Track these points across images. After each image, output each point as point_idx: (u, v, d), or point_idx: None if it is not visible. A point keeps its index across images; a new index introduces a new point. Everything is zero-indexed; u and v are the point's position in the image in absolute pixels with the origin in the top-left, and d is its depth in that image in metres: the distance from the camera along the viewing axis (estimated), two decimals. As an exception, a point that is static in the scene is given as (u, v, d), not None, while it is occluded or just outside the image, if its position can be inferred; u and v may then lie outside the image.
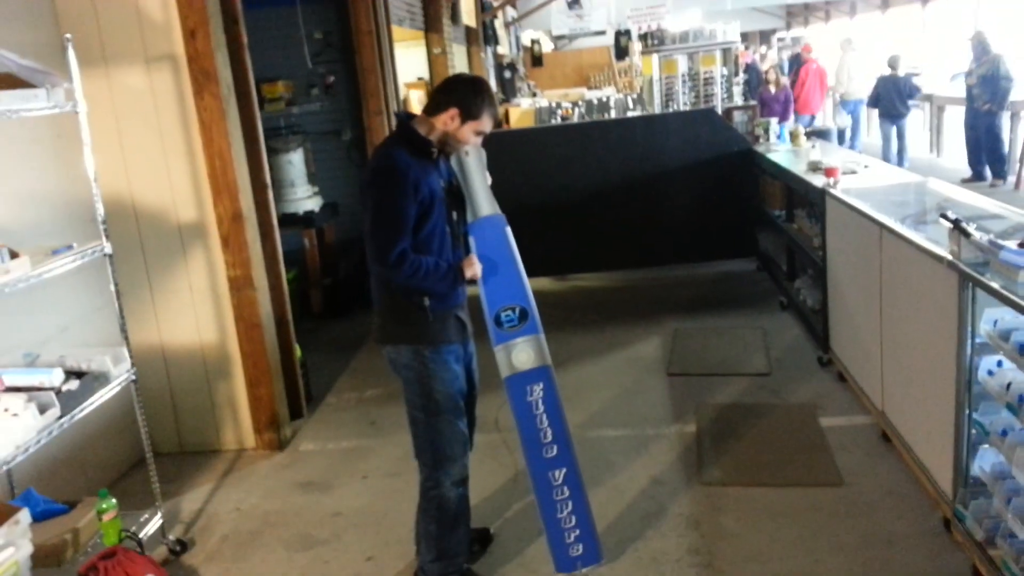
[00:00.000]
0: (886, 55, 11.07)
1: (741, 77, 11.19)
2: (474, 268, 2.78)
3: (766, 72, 10.74)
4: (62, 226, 3.63)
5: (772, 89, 10.22)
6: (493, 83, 11.97)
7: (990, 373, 2.69)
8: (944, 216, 2.84)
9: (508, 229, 2.88)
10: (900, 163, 10.27)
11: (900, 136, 10.77)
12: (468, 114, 2.72)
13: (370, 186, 2.67)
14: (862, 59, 12.09)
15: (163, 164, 3.92)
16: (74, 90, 3.10)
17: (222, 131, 3.84)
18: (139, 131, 3.91)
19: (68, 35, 3.16)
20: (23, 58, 2.99)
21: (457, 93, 2.76)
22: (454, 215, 2.85)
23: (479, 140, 2.80)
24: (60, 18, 3.80)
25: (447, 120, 2.72)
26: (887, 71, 10.71)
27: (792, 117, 10.21)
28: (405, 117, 2.82)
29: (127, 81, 3.86)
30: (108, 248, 3.20)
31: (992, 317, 2.66)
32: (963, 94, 9.93)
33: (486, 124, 2.76)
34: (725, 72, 10.71)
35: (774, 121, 6.82)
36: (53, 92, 3.02)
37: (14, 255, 2.81)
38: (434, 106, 2.77)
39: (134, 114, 3.89)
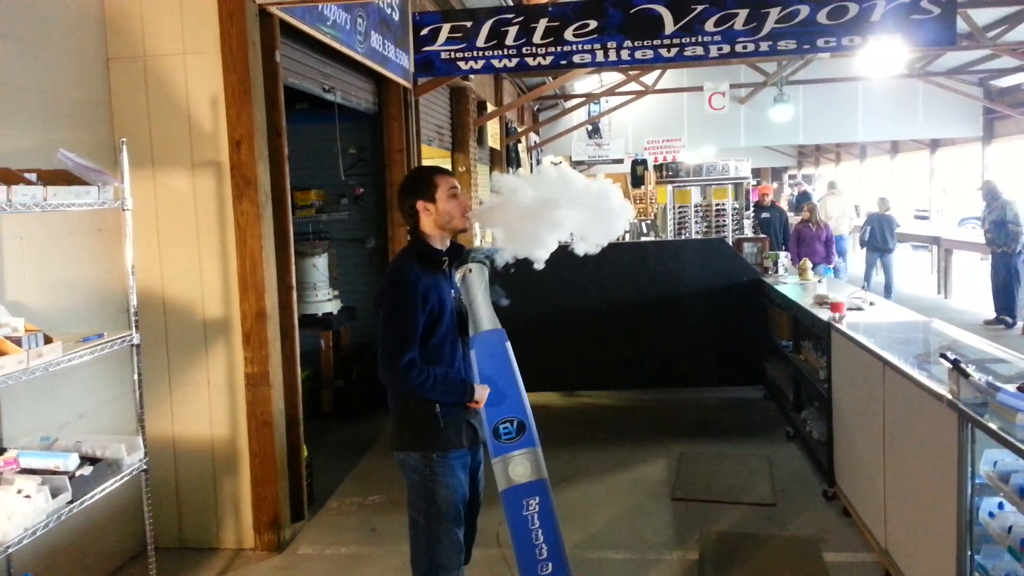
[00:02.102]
0: (892, 198, 11.60)
1: (751, 212, 11.46)
2: (484, 399, 2.88)
3: (804, 208, 10.11)
4: (93, 315, 3.78)
5: (812, 227, 9.66)
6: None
7: (991, 515, 2.71)
8: (943, 356, 2.94)
9: (508, 344, 2.99)
10: (888, 296, 10.46)
11: (887, 270, 11.26)
12: (427, 194, 2.86)
13: (383, 298, 2.82)
14: (843, 201, 12.93)
15: (196, 261, 4.11)
16: (123, 189, 3.32)
17: (256, 234, 4.05)
18: (177, 229, 4.12)
19: (124, 139, 3.42)
20: (79, 157, 3.22)
21: (408, 193, 2.92)
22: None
23: (459, 200, 2.88)
24: (116, 121, 4.07)
25: (425, 215, 2.88)
26: (875, 210, 11.49)
27: (835, 258, 9.94)
28: (417, 232, 2.97)
29: (171, 182, 4.10)
30: (137, 339, 3.33)
31: (992, 458, 2.71)
32: (969, 237, 10.18)
33: (447, 183, 2.89)
34: (736, 205, 11.08)
35: (783, 254, 7.01)
36: (104, 190, 3.23)
37: (48, 340, 2.94)
38: (410, 219, 2.92)
39: (174, 213, 4.11)
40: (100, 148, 3.89)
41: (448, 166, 9.38)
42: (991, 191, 9.88)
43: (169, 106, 4.05)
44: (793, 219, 11.76)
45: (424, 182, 2.90)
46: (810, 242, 9.50)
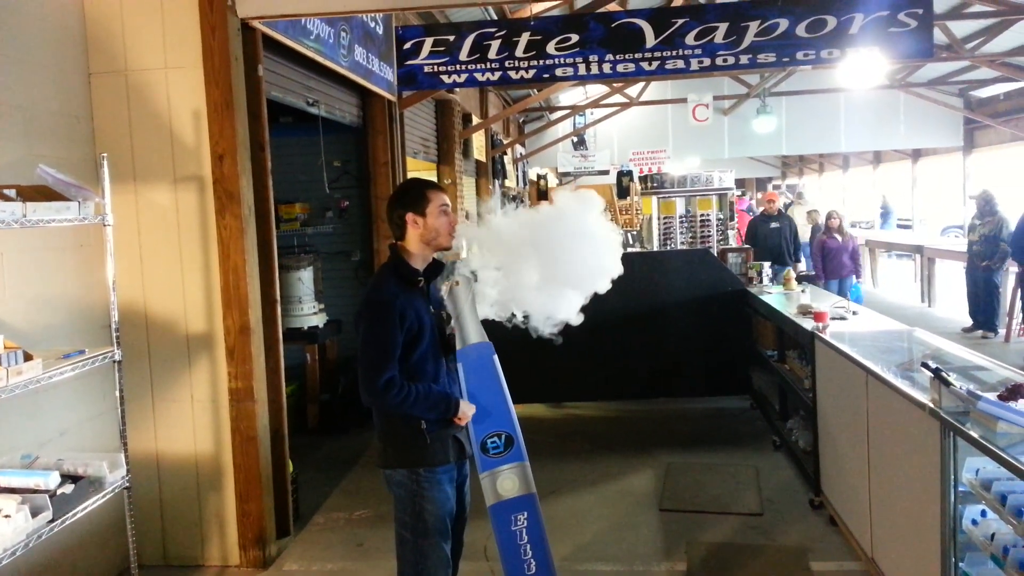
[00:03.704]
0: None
1: (733, 222, 11.53)
2: (468, 415, 2.87)
3: (828, 217, 9.50)
4: (75, 331, 3.74)
5: (839, 238, 9.05)
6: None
7: (974, 522, 2.72)
8: (925, 365, 2.96)
9: (495, 357, 2.98)
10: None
11: None
12: (418, 208, 2.85)
13: (361, 317, 2.81)
14: (807, 210, 13.57)
15: (179, 276, 4.08)
16: (104, 205, 3.30)
17: (239, 248, 4.03)
18: (159, 244, 4.09)
19: (104, 154, 3.41)
20: (59, 172, 3.20)
21: (398, 204, 2.90)
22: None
23: (448, 218, 2.88)
24: (98, 136, 4.05)
25: (412, 228, 2.86)
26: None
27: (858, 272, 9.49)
28: (397, 247, 2.95)
29: (153, 197, 4.08)
30: (118, 355, 3.30)
31: (974, 466, 2.72)
32: (952, 246, 10.21)
33: (439, 199, 2.88)
34: (720, 216, 11.16)
35: (767, 264, 7.04)
36: (84, 206, 3.21)
37: (28, 357, 2.91)
38: (396, 229, 2.91)
39: (156, 228, 4.09)
40: (82, 163, 3.87)
41: (434, 178, 9.40)
42: (988, 201, 9.60)
43: (151, 121, 4.03)
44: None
45: (416, 195, 2.89)
46: (837, 255, 8.95)
